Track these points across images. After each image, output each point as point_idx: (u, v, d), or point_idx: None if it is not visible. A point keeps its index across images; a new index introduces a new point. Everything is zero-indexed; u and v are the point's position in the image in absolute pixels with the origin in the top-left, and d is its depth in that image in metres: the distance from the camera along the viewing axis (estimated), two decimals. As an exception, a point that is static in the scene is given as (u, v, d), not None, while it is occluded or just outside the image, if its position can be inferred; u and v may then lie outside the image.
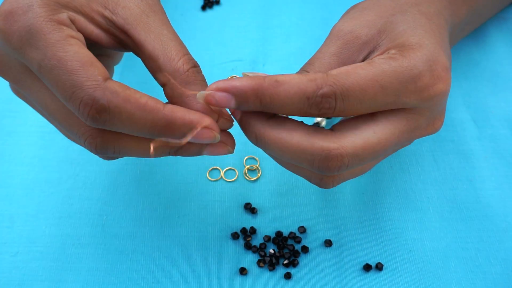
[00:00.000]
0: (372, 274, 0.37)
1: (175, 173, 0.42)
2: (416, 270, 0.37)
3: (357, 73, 0.28)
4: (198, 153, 0.31)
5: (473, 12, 0.43)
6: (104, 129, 0.28)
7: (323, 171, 0.29)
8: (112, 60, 0.36)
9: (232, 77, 0.30)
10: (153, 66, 0.30)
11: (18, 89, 0.31)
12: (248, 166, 0.43)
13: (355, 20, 0.33)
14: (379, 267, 0.37)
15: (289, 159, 0.29)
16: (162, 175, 0.42)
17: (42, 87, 0.29)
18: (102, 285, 0.36)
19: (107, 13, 0.30)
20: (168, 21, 0.32)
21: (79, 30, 0.29)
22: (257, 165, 0.43)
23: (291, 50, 0.51)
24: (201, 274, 0.37)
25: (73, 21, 0.29)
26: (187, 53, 0.30)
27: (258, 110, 0.28)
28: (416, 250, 0.38)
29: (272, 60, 0.50)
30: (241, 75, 0.30)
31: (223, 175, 0.42)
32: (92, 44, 0.31)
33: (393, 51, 0.30)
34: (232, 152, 0.31)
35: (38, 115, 0.45)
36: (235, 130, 0.45)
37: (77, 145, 0.44)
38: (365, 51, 0.31)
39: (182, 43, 0.31)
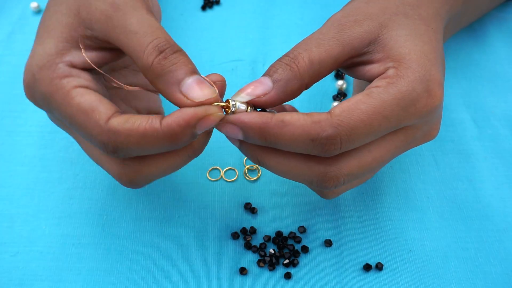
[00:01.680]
0: (372, 274, 0.37)
1: (175, 173, 0.42)
2: (416, 270, 0.37)
3: (360, 109, 0.28)
4: (205, 139, 0.31)
5: (469, 2, 0.43)
6: (129, 162, 0.30)
7: (321, 189, 0.31)
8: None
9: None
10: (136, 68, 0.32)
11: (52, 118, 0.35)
12: (248, 166, 0.43)
13: (358, 10, 0.32)
14: (379, 267, 0.37)
15: (291, 179, 0.32)
16: (162, 175, 0.42)
17: None
18: (102, 285, 0.36)
19: (89, 33, 0.30)
20: (139, 6, 0.30)
21: (80, 65, 0.30)
22: (257, 165, 0.43)
23: (291, 50, 0.51)
24: (201, 274, 0.37)
25: (71, 64, 0.30)
26: (151, 41, 0.28)
27: (264, 145, 0.30)
28: (416, 250, 0.38)
29: (272, 60, 0.50)
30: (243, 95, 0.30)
31: (223, 175, 0.42)
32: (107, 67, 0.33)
33: (391, 71, 0.30)
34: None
35: (38, 115, 0.46)
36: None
37: (77, 145, 0.44)
38: (365, 40, 0.31)
39: (148, 28, 0.29)
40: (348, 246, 0.38)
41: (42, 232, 0.39)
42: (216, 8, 0.55)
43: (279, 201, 0.41)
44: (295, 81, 0.30)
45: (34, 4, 0.54)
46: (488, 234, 0.39)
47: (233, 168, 0.43)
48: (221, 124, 0.29)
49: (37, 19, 0.54)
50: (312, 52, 0.30)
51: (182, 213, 0.40)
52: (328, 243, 0.38)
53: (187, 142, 0.28)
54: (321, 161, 0.30)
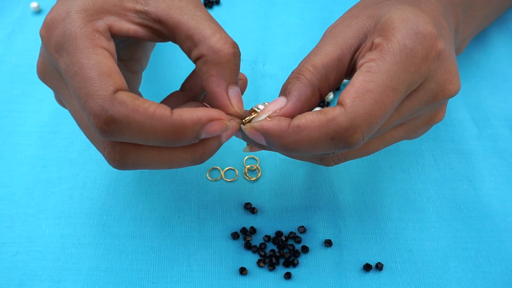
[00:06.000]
0: (372, 274, 0.37)
1: (175, 173, 0.42)
2: (416, 270, 0.37)
3: (370, 91, 0.27)
4: (218, 145, 0.31)
5: (478, 26, 0.44)
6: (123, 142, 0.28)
7: (343, 146, 0.28)
8: (140, 64, 0.37)
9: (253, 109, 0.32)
10: (190, 45, 0.30)
11: (58, 96, 0.33)
12: (248, 166, 0.43)
13: (344, 17, 0.34)
14: (379, 267, 0.37)
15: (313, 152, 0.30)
16: (162, 175, 0.42)
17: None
18: (102, 285, 0.36)
19: (139, 7, 0.31)
20: (202, 5, 0.32)
21: (116, 31, 0.30)
22: (257, 165, 0.43)
23: (291, 50, 0.51)
24: (201, 274, 0.37)
25: (110, 27, 0.30)
26: (224, 35, 0.30)
27: (286, 154, 0.30)
28: (416, 250, 0.38)
29: (272, 60, 0.50)
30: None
31: (223, 175, 0.42)
32: (130, 41, 0.32)
33: (377, 39, 0.29)
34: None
35: (38, 115, 0.46)
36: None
37: (77, 145, 0.44)
38: (360, 35, 0.31)
39: (218, 24, 0.31)
40: (348, 246, 0.38)
41: (42, 232, 0.39)
42: (216, 8, 0.55)
43: (279, 201, 0.41)
44: (305, 88, 0.30)
45: (34, 4, 0.54)
46: (488, 234, 0.39)
47: (233, 168, 0.43)
48: (248, 130, 0.30)
49: (37, 19, 0.54)
50: (313, 60, 0.31)
51: (182, 213, 0.40)
52: (328, 243, 0.38)
53: (188, 141, 0.28)
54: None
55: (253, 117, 0.31)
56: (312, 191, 0.41)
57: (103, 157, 0.43)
